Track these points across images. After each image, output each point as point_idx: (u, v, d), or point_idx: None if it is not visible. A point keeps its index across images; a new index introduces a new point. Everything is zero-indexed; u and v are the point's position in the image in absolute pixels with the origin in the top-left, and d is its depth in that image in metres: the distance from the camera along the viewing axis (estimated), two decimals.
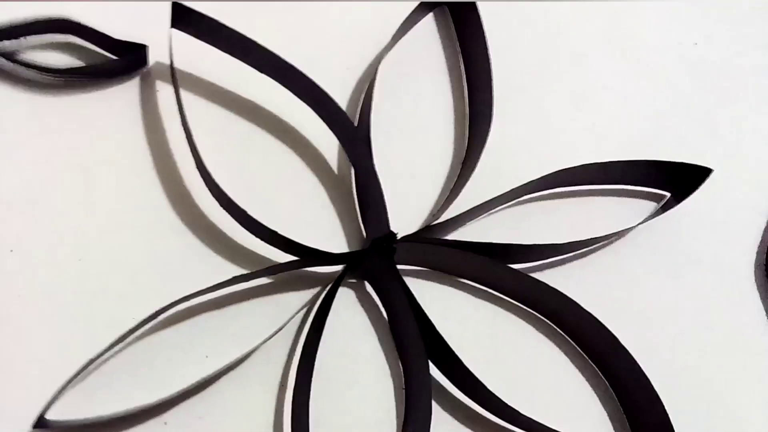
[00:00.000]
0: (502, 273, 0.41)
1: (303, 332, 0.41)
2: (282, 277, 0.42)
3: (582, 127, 0.47)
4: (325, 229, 0.43)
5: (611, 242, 0.44)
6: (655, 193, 0.46)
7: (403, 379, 0.40)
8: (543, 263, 0.43)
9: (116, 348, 0.39)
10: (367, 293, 0.42)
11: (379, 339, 0.42)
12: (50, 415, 0.37)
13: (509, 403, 0.38)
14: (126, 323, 0.38)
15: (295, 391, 0.39)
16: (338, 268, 0.42)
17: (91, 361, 0.38)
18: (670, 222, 0.45)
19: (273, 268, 0.40)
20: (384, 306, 0.42)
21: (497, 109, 0.44)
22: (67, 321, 0.40)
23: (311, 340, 0.39)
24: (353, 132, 0.42)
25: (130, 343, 0.39)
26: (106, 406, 0.38)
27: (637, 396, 0.40)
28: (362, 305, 0.42)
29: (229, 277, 0.39)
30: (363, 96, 0.44)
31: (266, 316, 0.41)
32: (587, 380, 0.42)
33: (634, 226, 0.43)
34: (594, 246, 0.44)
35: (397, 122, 0.46)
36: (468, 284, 0.43)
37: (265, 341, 0.39)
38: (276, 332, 0.40)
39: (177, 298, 0.38)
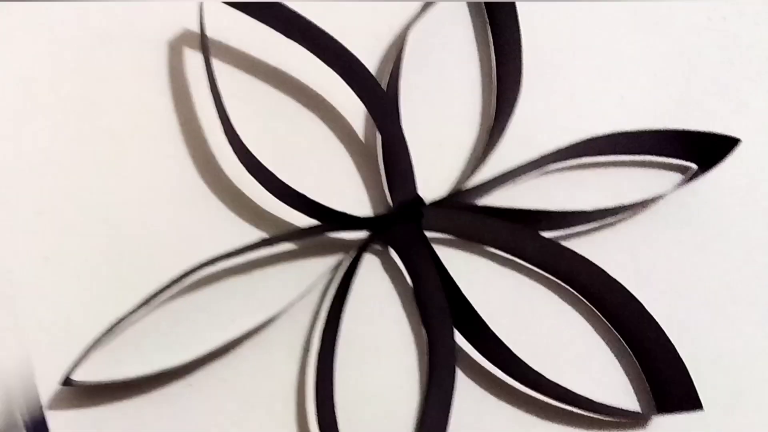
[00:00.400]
0: (530, 240, 0.41)
1: (327, 298, 0.41)
2: (307, 243, 0.42)
3: (610, 99, 0.46)
4: (349, 197, 0.43)
5: (637, 213, 0.44)
6: (681, 165, 0.45)
7: (427, 346, 0.40)
8: (569, 232, 0.43)
9: (142, 310, 0.39)
10: (392, 260, 0.42)
11: (403, 306, 0.42)
12: (77, 376, 0.37)
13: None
14: (151, 286, 0.38)
15: (320, 356, 0.39)
16: (363, 234, 0.41)
17: (117, 323, 0.38)
18: (697, 193, 0.44)
19: (299, 232, 0.40)
20: (409, 273, 0.41)
21: (525, 78, 0.44)
22: (93, 283, 0.40)
23: (336, 306, 0.39)
24: (382, 97, 0.42)
25: (156, 306, 0.40)
26: (131, 367, 0.38)
27: (662, 366, 0.40)
28: (387, 272, 0.42)
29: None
30: (392, 64, 0.43)
31: (291, 282, 0.41)
32: (611, 349, 0.42)
33: (662, 195, 0.43)
34: (620, 216, 0.44)
35: (425, 91, 0.45)
36: (495, 253, 0.43)
37: (289, 306, 0.39)
38: (300, 297, 0.40)
39: (202, 261, 0.38)
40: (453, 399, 0.39)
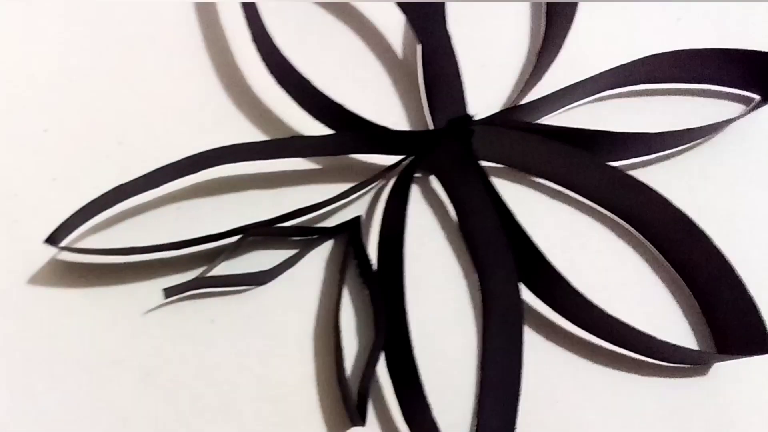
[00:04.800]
0: (588, 164, 0.37)
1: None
2: (334, 165, 0.38)
3: (667, 19, 0.44)
4: (385, 121, 0.39)
5: (696, 143, 0.41)
6: (744, 96, 0.43)
7: (481, 294, 0.36)
8: (625, 164, 0.40)
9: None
10: (432, 190, 0.39)
11: (451, 246, 0.38)
12: None
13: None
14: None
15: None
16: (394, 159, 0.38)
17: (120, 191, 0.34)
18: (761, 122, 0.42)
19: (332, 139, 0.36)
20: (455, 204, 0.37)
21: None
22: None
23: (393, 240, 0.35)
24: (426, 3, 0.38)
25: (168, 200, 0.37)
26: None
27: (727, 305, 0.36)
28: (429, 204, 0.38)
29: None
30: None
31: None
32: (670, 290, 0.38)
33: (725, 122, 0.40)
34: (679, 146, 0.41)
35: (470, 6, 0.42)
36: (545, 185, 0.39)
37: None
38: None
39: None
40: (522, 354, 0.33)
